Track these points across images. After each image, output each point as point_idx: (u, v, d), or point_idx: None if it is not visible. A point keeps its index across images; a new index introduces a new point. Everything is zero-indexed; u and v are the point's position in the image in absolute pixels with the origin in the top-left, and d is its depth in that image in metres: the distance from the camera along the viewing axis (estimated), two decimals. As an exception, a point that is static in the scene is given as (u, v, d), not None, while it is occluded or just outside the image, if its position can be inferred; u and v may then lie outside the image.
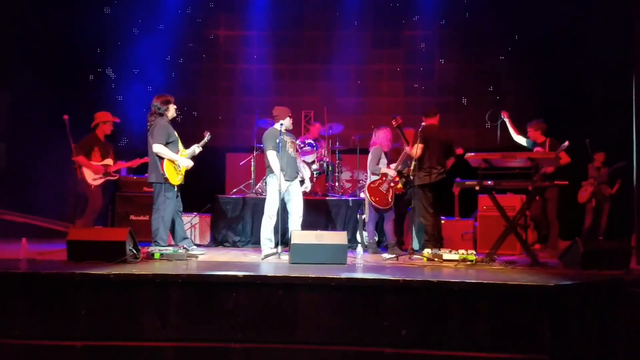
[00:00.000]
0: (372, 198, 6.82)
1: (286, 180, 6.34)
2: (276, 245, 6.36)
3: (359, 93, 10.20)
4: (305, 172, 7.19)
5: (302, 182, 6.85)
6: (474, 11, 9.91)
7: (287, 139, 6.47)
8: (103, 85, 9.47)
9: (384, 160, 7.06)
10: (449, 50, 10.15)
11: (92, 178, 7.01)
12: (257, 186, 8.19)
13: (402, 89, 10.20)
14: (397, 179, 6.91)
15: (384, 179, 6.89)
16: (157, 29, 9.90)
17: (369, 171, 7.08)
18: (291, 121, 6.56)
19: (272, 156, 6.34)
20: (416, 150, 6.48)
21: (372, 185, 6.89)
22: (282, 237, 6.42)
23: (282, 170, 6.29)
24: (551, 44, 9.34)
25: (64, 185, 7.93)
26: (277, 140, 6.32)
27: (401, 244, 7.21)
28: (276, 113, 6.53)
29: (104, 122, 7.17)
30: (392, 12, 10.19)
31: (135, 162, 7.31)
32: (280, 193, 6.30)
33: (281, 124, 6.38)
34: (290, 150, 6.48)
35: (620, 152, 8.27)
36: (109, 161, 7.16)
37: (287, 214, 6.50)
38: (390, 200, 6.86)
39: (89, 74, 9.45)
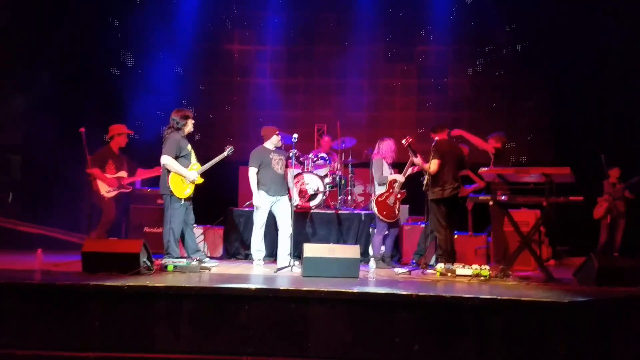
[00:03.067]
0: (380, 212, 6.81)
1: (270, 195, 6.67)
2: (266, 256, 6.79)
3: (371, 107, 10.23)
4: (293, 190, 7.30)
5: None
6: (487, 27, 9.93)
7: (275, 156, 6.82)
8: (118, 98, 9.55)
9: (387, 172, 7.05)
10: (462, 65, 10.16)
11: (106, 190, 7.05)
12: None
13: (415, 103, 10.21)
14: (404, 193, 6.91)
15: (390, 190, 6.87)
16: (173, 42, 10.00)
17: (375, 183, 7.07)
18: (279, 139, 6.93)
19: (250, 173, 6.77)
20: (431, 165, 6.45)
21: (379, 199, 6.87)
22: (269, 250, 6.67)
23: (264, 185, 6.70)
24: (565, 59, 9.30)
25: (79, 197, 8.00)
26: (263, 159, 6.76)
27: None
28: (263, 133, 6.96)
29: (119, 134, 7.23)
30: (405, 27, 10.24)
31: (157, 170, 7.12)
32: (263, 206, 6.68)
33: (271, 142, 6.78)
34: (277, 168, 6.79)
35: (636, 167, 8.22)
36: (122, 174, 7.20)
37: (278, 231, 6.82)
38: (396, 212, 6.86)
39: (104, 87, 9.53)
